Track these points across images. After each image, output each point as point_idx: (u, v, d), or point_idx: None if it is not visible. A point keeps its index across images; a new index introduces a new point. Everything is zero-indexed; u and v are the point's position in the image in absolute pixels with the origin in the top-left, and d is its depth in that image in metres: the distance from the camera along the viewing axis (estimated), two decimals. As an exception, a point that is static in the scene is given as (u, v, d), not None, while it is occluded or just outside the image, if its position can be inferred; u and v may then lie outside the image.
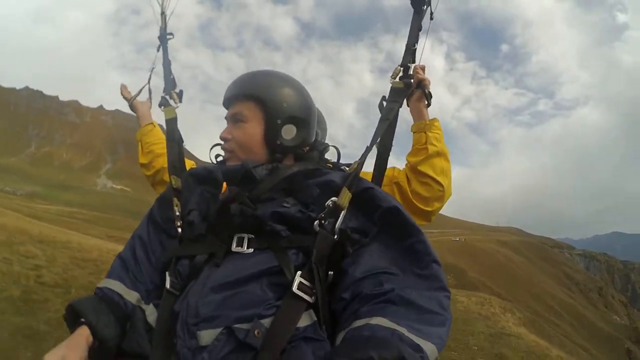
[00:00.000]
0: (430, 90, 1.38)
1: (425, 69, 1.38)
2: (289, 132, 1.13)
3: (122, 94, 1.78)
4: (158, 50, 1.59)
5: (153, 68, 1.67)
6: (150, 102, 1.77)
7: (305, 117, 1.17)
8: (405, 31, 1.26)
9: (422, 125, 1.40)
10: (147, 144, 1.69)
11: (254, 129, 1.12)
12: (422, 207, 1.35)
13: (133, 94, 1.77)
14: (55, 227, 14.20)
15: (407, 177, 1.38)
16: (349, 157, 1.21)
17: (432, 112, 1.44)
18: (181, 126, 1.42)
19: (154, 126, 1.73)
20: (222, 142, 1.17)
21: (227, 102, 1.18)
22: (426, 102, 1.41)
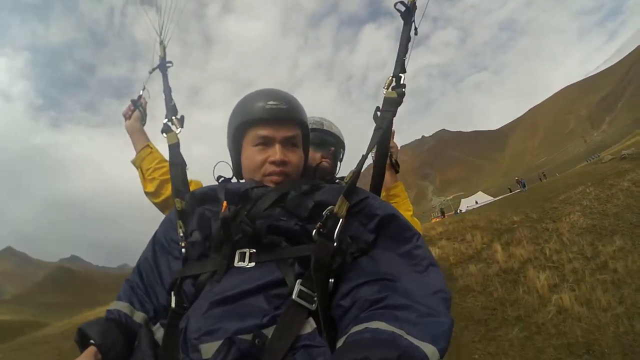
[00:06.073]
0: (397, 159, 1.55)
1: (395, 134, 1.53)
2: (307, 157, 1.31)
3: (122, 113, 1.78)
4: (150, 73, 1.71)
5: (144, 88, 1.78)
6: (144, 121, 1.78)
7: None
8: None
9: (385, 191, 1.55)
10: (147, 170, 1.66)
11: (301, 155, 1.23)
12: None
13: (131, 115, 1.76)
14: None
15: None
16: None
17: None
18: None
19: (151, 149, 1.70)
20: (274, 165, 1.15)
21: (281, 121, 1.16)
22: (394, 170, 1.57)
